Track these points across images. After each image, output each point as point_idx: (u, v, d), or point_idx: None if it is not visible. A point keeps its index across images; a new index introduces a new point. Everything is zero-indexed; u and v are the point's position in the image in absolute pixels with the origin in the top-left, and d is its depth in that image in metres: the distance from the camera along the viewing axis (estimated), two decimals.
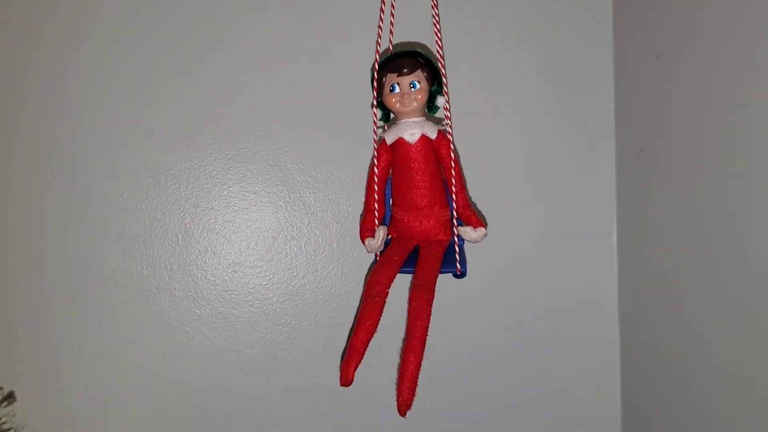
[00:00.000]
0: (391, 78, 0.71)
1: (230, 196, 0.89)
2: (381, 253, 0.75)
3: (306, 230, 0.90)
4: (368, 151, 0.83)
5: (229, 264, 0.89)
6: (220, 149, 0.88)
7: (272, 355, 0.89)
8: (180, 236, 0.88)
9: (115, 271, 0.86)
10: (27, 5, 0.85)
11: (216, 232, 0.89)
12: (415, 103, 0.71)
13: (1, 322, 0.85)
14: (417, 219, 0.74)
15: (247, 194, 0.90)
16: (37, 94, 0.85)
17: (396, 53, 0.72)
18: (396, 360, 0.73)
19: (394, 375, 0.71)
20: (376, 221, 0.74)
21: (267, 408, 0.89)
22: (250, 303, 0.90)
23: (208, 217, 0.89)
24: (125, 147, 0.87)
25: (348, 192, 0.89)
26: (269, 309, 0.90)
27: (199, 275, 0.89)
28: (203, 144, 0.88)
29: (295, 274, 0.90)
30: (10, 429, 0.50)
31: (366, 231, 0.74)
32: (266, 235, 0.90)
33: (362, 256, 0.87)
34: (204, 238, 0.89)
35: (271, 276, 0.90)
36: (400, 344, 0.72)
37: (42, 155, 0.85)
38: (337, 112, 0.88)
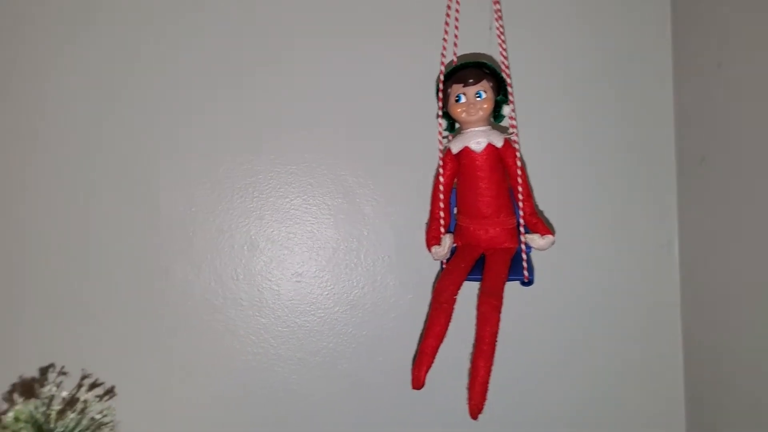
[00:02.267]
0: (456, 88, 0.73)
1: (293, 208, 0.92)
2: (447, 261, 0.76)
3: (365, 242, 0.92)
4: (424, 163, 0.85)
5: (292, 274, 0.91)
6: (283, 164, 0.91)
7: (334, 363, 0.91)
8: (245, 248, 0.91)
9: (184, 282, 0.89)
10: (110, 28, 0.89)
11: (279, 243, 0.91)
12: (480, 113, 0.72)
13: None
14: (482, 227, 0.74)
15: (309, 207, 0.92)
16: (111, 113, 0.89)
17: (461, 64, 0.73)
18: (463, 365, 0.73)
19: (461, 380, 0.72)
20: (442, 229, 0.75)
21: (329, 415, 0.90)
22: (312, 312, 0.92)
23: (272, 229, 0.91)
24: (194, 162, 0.90)
25: (406, 204, 0.91)
26: (330, 318, 0.91)
27: (263, 285, 0.91)
28: (267, 159, 0.91)
29: (355, 284, 0.92)
30: (110, 422, 0.52)
31: (432, 239, 0.76)
32: (327, 246, 0.92)
33: (421, 267, 0.88)
34: (268, 249, 0.91)
35: (332, 286, 0.92)
36: (468, 350, 0.73)
37: (115, 172, 0.89)
38: (394, 125, 0.90)
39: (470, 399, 0.68)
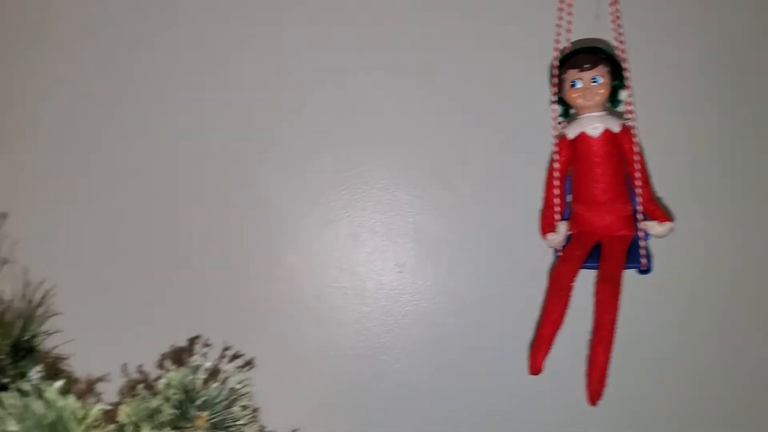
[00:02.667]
0: (572, 74, 0.72)
1: (395, 200, 0.92)
2: (562, 248, 0.75)
3: (468, 234, 0.92)
4: (527, 154, 0.84)
5: (395, 265, 0.92)
6: (386, 156, 0.92)
7: (436, 353, 0.91)
8: (349, 238, 0.92)
9: (291, 270, 0.91)
10: (214, 39, 0.93)
11: (382, 234, 0.92)
12: (597, 98, 0.72)
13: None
14: (598, 214, 0.73)
15: (411, 199, 0.92)
16: (216, 109, 0.91)
17: (577, 49, 0.73)
18: (579, 353, 0.72)
19: (577, 367, 0.71)
20: (557, 216, 0.75)
21: (431, 403, 0.90)
22: (415, 303, 0.92)
23: (375, 221, 0.92)
24: (299, 156, 0.92)
25: (510, 195, 0.90)
26: (432, 309, 0.92)
27: (366, 275, 0.92)
28: (371, 151, 0.92)
29: (456, 275, 0.92)
30: (247, 393, 0.54)
31: (547, 226, 0.75)
32: (429, 238, 0.92)
33: (523, 259, 0.88)
34: (370, 240, 0.92)
35: (434, 277, 0.92)
36: (584, 338, 0.72)
37: (224, 167, 0.91)
38: (497, 115, 0.90)
39: (589, 385, 0.68)
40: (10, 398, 0.48)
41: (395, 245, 0.92)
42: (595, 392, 0.67)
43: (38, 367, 0.57)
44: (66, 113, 0.90)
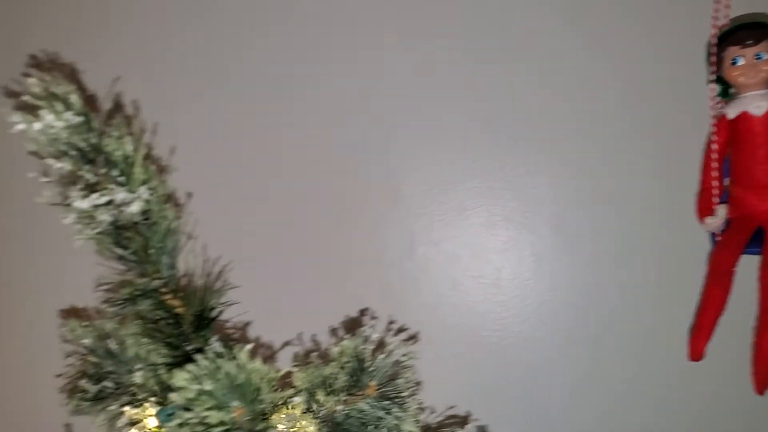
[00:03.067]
0: (733, 51, 0.69)
1: (533, 189, 0.92)
2: (721, 233, 0.72)
3: (609, 224, 0.90)
4: (676, 135, 0.81)
5: (530, 254, 0.91)
6: (524, 144, 0.92)
7: (576, 344, 0.90)
8: (483, 227, 0.92)
9: (425, 258, 0.93)
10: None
11: (518, 222, 0.92)
12: (761, 75, 0.68)
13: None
14: (759, 197, 0.70)
15: (551, 188, 0.91)
16: (353, 99, 0.93)
17: (738, 25, 0.70)
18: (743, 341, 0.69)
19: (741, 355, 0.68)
20: (716, 200, 0.72)
21: (575, 394, 0.89)
22: (551, 292, 0.91)
23: (510, 210, 0.92)
24: (434, 143, 0.93)
25: (651, 183, 0.87)
26: (570, 299, 0.91)
27: (501, 264, 0.92)
28: (506, 139, 0.92)
29: (595, 266, 0.90)
30: (411, 365, 0.56)
31: (704, 210, 0.72)
32: (569, 228, 0.91)
33: (665, 247, 0.85)
34: (506, 228, 0.92)
35: (572, 268, 0.91)
36: (749, 324, 0.68)
37: (359, 157, 0.93)
38: (641, 101, 0.87)
39: (756, 374, 0.65)
40: (203, 360, 0.52)
41: (532, 234, 0.92)
42: (762, 381, 0.64)
43: (217, 336, 0.62)
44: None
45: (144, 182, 0.56)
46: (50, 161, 0.55)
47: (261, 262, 0.89)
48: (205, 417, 0.49)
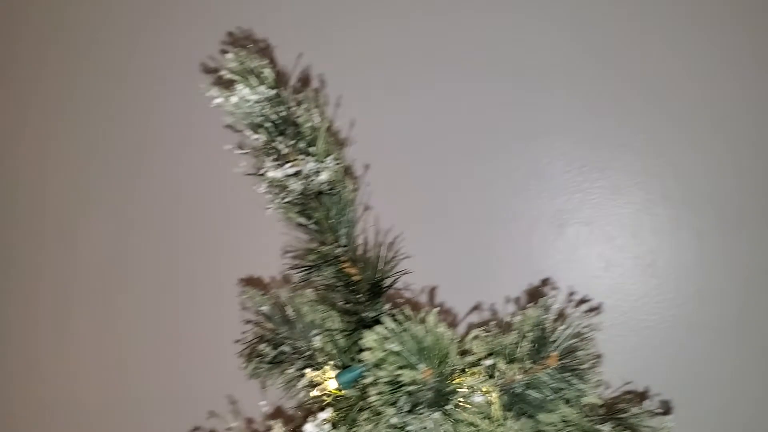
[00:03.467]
0: None
1: (693, 165, 0.88)
2: None
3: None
4: None
5: (692, 236, 0.87)
6: (686, 119, 0.87)
7: (742, 329, 0.85)
8: (638, 207, 0.89)
9: (575, 238, 0.90)
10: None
11: (677, 200, 0.88)
12: None
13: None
14: None
15: (710, 163, 0.87)
16: (499, 80, 0.93)
17: None
18: None
19: None
20: None
21: (734, 384, 0.84)
22: (713, 276, 0.87)
23: (667, 188, 0.88)
24: (585, 122, 0.90)
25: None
26: (732, 284, 0.86)
27: (659, 246, 0.89)
28: (668, 115, 0.88)
29: (761, 249, 0.85)
30: (591, 338, 0.55)
31: None
32: (732, 205, 0.86)
33: None
34: (664, 208, 0.89)
35: (736, 250, 0.86)
36: None
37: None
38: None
39: None
40: (390, 322, 0.53)
41: (693, 215, 0.88)
42: None
43: (390, 304, 0.64)
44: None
45: (329, 153, 0.59)
46: (246, 133, 0.58)
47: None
48: (398, 375, 0.50)
